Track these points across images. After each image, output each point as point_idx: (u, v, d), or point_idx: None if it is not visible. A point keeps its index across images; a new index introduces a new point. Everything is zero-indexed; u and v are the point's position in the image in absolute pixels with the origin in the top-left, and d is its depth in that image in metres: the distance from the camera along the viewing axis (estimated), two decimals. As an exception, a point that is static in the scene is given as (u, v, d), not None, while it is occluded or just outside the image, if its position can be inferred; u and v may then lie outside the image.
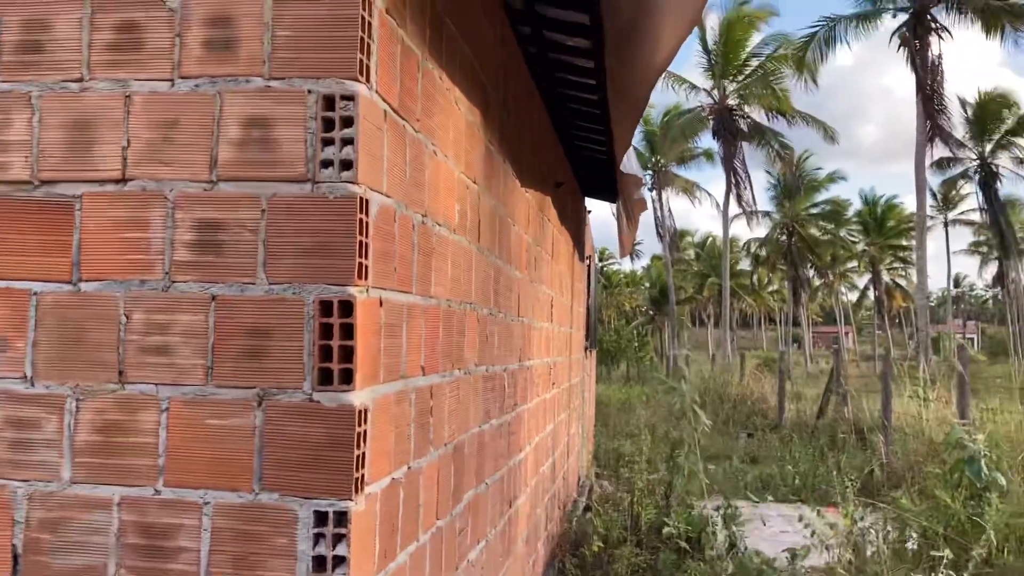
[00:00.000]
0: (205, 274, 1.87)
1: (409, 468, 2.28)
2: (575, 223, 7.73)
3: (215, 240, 1.87)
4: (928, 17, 29.79)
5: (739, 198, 39.13)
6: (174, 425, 1.86)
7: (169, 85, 1.90)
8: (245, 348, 1.85)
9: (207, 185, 1.88)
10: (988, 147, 44.36)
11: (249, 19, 1.87)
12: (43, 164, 1.92)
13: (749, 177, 39.05)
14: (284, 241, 1.85)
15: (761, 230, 55.91)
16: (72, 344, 1.90)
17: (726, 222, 41.03)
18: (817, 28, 31.31)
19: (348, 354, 1.84)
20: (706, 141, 51.65)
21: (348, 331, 1.84)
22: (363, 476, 1.87)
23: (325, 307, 1.83)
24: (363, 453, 1.87)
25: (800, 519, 5.37)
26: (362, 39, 1.87)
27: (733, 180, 38.44)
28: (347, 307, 1.83)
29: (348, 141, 1.85)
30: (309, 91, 1.86)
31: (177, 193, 1.89)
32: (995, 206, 43.71)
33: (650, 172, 44.65)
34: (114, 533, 1.86)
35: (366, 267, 1.90)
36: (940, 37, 29.95)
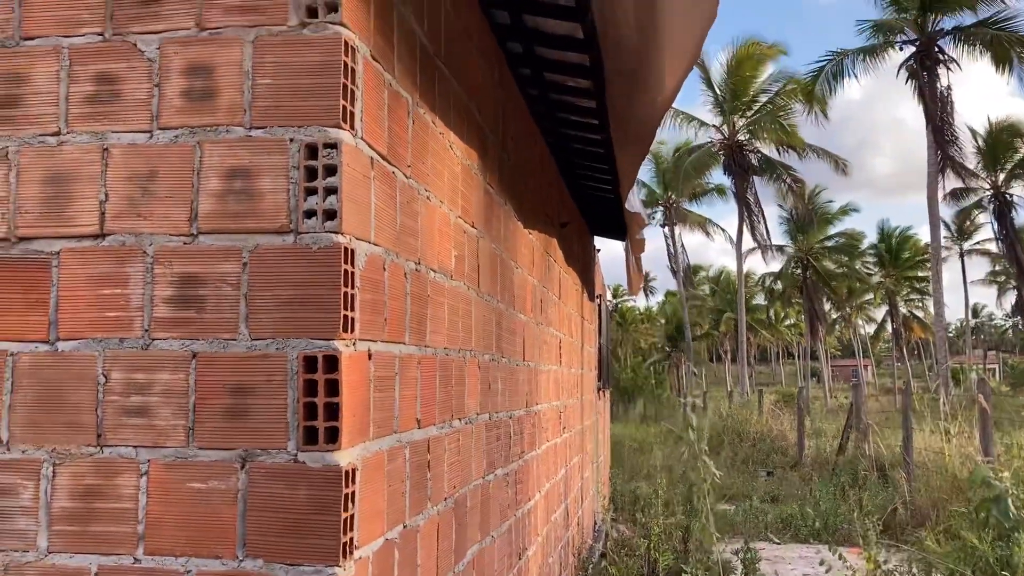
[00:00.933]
0: (186, 331, 1.80)
1: (405, 527, 2.18)
2: (583, 262, 7.66)
3: (196, 295, 1.81)
4: (936, 49, 29.83)
5: (753, 232, 39.04)
6: (154, 489, 1.78)
7: (148, 137, 1.84)
8: (227, 407, 1.78)
9: (187, 238, 1.82)
10: (1001, 176, 44.16)
11: (228, 68, 1.82)
12: (20, 221, 1.87)
13: (762, 211, 38.99)
14: (266, 295, 1.78)
15: (776, 264, 55.68)
16: (49, 406, 1.83)
17: (740, 257, 40.89)
18: (824, 63, 31.40)
19: (334, 411, 1.76)
20: (717, 177, 51.75)
21: (334, 387, 1.76)
22: (352, 539, 1.78)
23: (309, 363, 1.76)
24: (352, 515, 1.78)
25: (821, 563, 5.20)
26: (345, 86, 1.81)
27: (746, 215, 38.37)
28: (332, 362, 1.76)
29: (332, 190, 1.79)
30: (291, 140, 1.80)
31: (156, 247, 1.82)
32: (1011, 235, 43.37)
33: (662, 208, 44.67)
34: (92, 605, 1.77)
35: (352, 319, 1.83)
36: (948, 68, 29.96)
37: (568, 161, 5.78)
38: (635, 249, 8.06)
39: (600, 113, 4.39)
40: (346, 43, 1.81)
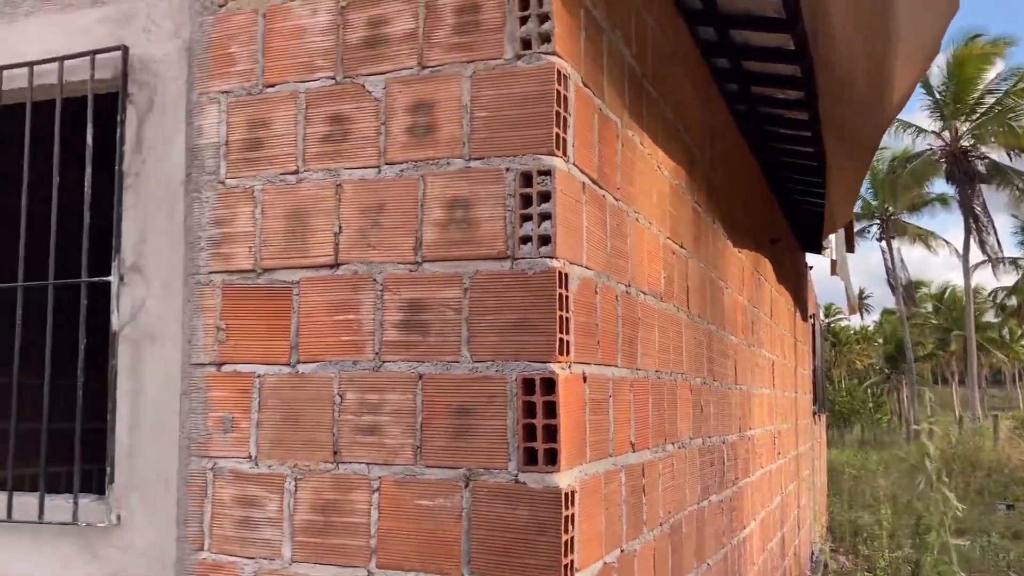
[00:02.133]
0: (412, 354, 1.89)
1: (622, 551, 2.17)
2: (795, 280, 7.36)
3: (421, 320, 1.89)
4: None
5: (981, 244, 36.07)
6: (385, 505, 1.87)
7: (376, 172, 1.96)
8: (451, 427, 1.85)
9: (412, 266, 1.91)
10: None
11: (448, 103, 1.91)
12: (264, 253, 2.04)
13: (991, 221, 35.97)
14: (486, 319, 1.84)
15: (1009, 278, 51.06)
16: (291, 424, 1.98)
17: (967, 271, 37.83)
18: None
19: (552, 433, 1.78)
20: (939, 186, 48.26)
21: (551, 409, 1.79)
22: (572, 562, 1.79)
23: (527, 385, 1.79)
24: (571, 537, 1.80)
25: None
26: (558, 113, 1.85)
27: (973, 226, 35.52)
28: (549, 384, 1.78)
29: (546, 216, 1.82)
30: (507, 169, 1.85)
31: (385, 275, 1.93)
32: None
33: (878, 222, 42.20)
34: (330, 612, 1.88)
35: (567, 342, 1.85)
36: None
37: (777, 176, 5.59)
38: (831, 269, 7.66)
39: (813, 125, 4.23)
40: (559, 72, 1.85)
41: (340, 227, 1.98)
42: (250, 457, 2.00)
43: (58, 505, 2.19)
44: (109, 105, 2.33)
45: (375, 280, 1.94)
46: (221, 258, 2.08)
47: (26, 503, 2.22)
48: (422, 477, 1.85)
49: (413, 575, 1.83)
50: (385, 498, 1.88)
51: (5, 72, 2.33)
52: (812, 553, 8.07)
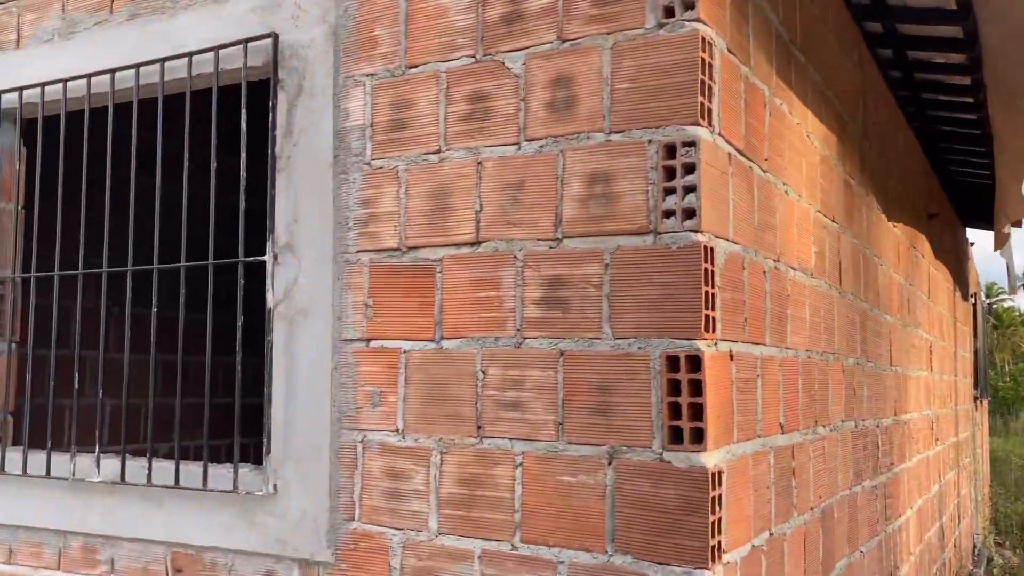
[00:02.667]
0: (553, 330, 1.89)
1: (771, 534, 2.10)
2: (954, 257, 6.94)
3: (561, 296, 1.88)
4: None
5: None
6: (528, 480, 1.88)
7: (515, 148, 1.96)
8: (593, 404, 1.83)
9: (552, 243, 1.90)
10: None
11: (588, 76, 1.88)
12: (408, 232, 2.07)
13: None
14: (627, 295, 1.81)
15: None
16: (436, 398, 2.01)
17: None
18: None
19: (698, 412, 1.74)
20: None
21: (697, 387, 1.74)
22: (720, 543, 1.75)
23: (671, 362, 1.76)
24: (719, 518, 1.75)
25: None
26: (702, 82, 1.79)
27: None
28: (695, 362, 1.74)
29: (690, 188, 1.77)
30: (649, 141, 1.81)
31: (525, 252, 1.93)
32: None
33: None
34: (475, 585, 1.91)
35: (713, 319, 1.80)
36: None
37: (934, 146, 5.27)
38: (994, 244, 7.12)
39: (975, 90, 3.95)
40: (703, 39, 1.79)
41: (481, 205, 1.99)
42: (398, 431, 2.05)
43: (220, 474, 2.31)
44: (259, 92, 2.42)
45: (515, 257, 1.94)
46: (368, 237, 2.13)
47: (191, 472, 2.35)
48: (564, 453, 1.85)
49: (557, 551, 1.83)
50: (528, 473, 1.88)
51: (167, 63, 2.46)
52: (974, 546, 7.64)
